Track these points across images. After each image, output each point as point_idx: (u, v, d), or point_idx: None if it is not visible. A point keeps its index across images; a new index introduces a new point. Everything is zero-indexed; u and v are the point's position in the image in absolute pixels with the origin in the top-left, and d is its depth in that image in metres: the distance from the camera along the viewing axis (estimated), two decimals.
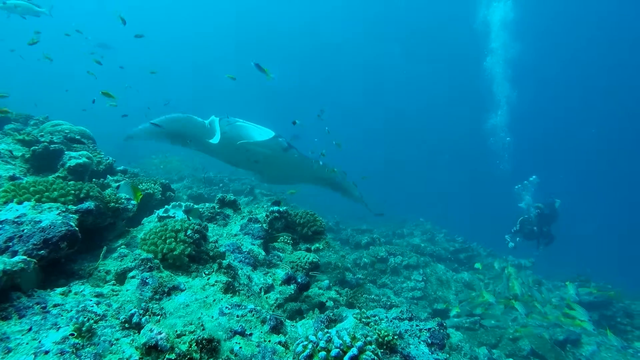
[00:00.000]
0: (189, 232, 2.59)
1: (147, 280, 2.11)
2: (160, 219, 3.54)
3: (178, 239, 2.51)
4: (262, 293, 2.70)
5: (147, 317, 1.66)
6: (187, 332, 1.57)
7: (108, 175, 4.60)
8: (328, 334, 1.69)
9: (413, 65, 42.75)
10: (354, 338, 1.71)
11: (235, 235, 3.51)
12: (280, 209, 4.03)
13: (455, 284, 8.88)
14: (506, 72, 20.73)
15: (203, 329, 1.61)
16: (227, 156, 7.10)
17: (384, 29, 40.99)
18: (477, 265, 9.31)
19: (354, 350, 1.57)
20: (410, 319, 3.02)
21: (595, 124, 35.53)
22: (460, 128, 41.60)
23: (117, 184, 4.10)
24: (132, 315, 1.65)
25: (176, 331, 1.56)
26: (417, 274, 8.34)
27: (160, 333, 1.38)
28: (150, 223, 3.64)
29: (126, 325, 1.63)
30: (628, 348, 6.96)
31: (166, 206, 3.67)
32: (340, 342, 1.61)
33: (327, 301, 5.58)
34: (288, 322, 2.28)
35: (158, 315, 1.71)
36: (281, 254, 3.50)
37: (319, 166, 6.97)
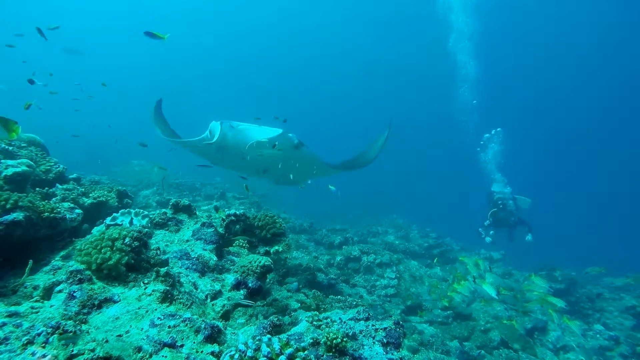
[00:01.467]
0: (127, 240, 2.46)
1: (74, 294, 1.98)
2: (108, 227, 3.38)
3: (115, 248, 2.39)
4: (209, 300, 2.60)
5: (56, 336, 1.55)
6: (86, 351, 1.46)
7: (57, 184, 4.38)
8: (258, 342, 1.61)
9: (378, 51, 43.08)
10: (286, 344, 1.65)
11: (187, 241, 3.39)
12: (237, 212, 3.94)
13: (429, 279, 8.97)
14: (470, 49, 20.98)
15: (106, 343, 1.51)
16: (236, 165, 6.64)
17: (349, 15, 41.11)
18: (462, 259, 9.39)
19: (282, 358, 1.51)
20: (367, 319, 2.97)
21: (566, 101, 36.61)
22: (428, 118, 42.29)
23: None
24: (38, 334, 1.53)
25: (72, 351, 1.45)
26: (390, 271, 8.37)
27: (44, 356, 1.27)
28: (112, 229, 3.48)
29: (28, 347, 1.50)
30: (588, 330, 7.19)
31: (114, 214, 3.51)
32: (269, 350, 1.54)
33: (293, 304, 5.51)
34: (229, 330, 2.19)
35: (71, 332, 1.59)
36: (235, 259, 3.40)
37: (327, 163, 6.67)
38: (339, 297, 5.06)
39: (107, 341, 1.57)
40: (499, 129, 13.06)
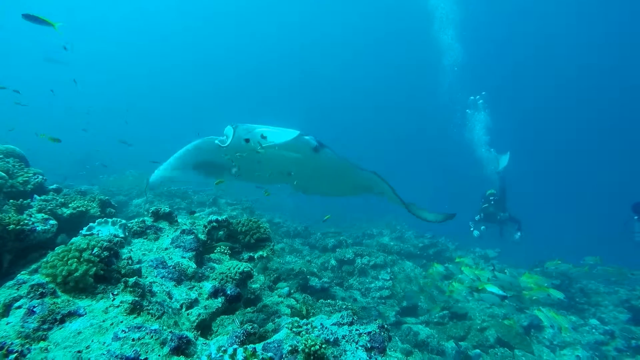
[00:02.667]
0: (95, 250, 2.37)
1: (34, 309, 1.89)
2: (84, 237, 3.28)
3: (82, 259, 2.30)
4: (184, 309, 2.51)
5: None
6: None
7: (35, 196, 4.28)
8: (222, 353, 1.53)
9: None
10: (252, 354, 1.57)
11: (166, 249, 3.30)
12: (219, 218, 3.85)
13: (424, 280, 8.90)
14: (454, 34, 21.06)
15: None
16: (252, 171, 6.02)
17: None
18: (458, 260, 9.35)
19: None
20: (351, 324, 2.89)
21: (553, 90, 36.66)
22: (420, 116, 42.25)
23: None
24: None
25: None
26: (384, 273, 8.29)
27: None
28: (80, 240, 3.38)
29: None
30: (584, 325, 7.14)
31: (91, 224, 3.41)
32: None
33: (284, 309, 5.42)
34: (201, 341, 2.10)
35: (16, 352, 1.50)
36: (216, 266, 3.31)
37: (364, 173, 5.72)
38: (329, 301, 4.96)
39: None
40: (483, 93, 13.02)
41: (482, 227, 10.02)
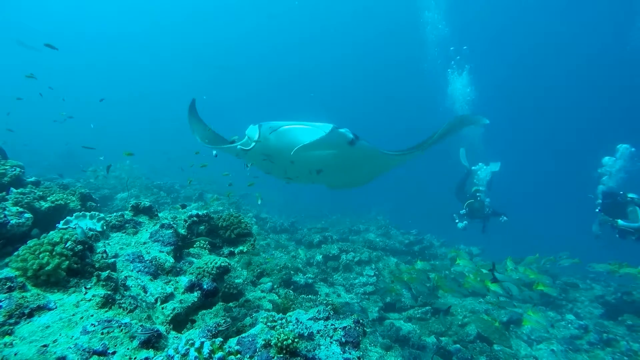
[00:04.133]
0: (69, 244, 2.36)
1: (0, 304, 1.88)
2: (59, 231, 3.25)
3: (54, 253, 2.28)
4: (158, 303, 2.52)
5: None
6: None
7: (12, 189, 4.21)
8: (188, 346, 1.55)
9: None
10: (218, 348, 1.59)
11: (144, 243, 3.28)
12: (200, 213, 3.85)
13: (408, 276, 9.01)
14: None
15: (15, 356, 1.42)
16: (281, 171, 5.64)
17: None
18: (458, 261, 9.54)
19: None
20: (327, 319, 2.92)
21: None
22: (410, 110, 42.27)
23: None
24: None
25: None
26: (369, 269, 8.37)
27: None
28: (53, 233, 3.35)
29: None
30: (561, 321, 7.33)
31: (68, 217, 3.38)
32: (196, 355, 1.48)
33: (266, 304, 5.45)
34: (173, 334, 2.11)
35: None
36: (195, 260, 3.32)
37: (397, 157, 5.29)
38: (310, 296, 5.01)
39: (16, 354, 1.48)
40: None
41: (465, 222, 10.18)
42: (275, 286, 6.33)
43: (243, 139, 5.19)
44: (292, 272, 7.12)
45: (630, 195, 7.77)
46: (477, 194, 10.26)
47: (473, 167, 11.15)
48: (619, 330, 7.07)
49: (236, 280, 5.78)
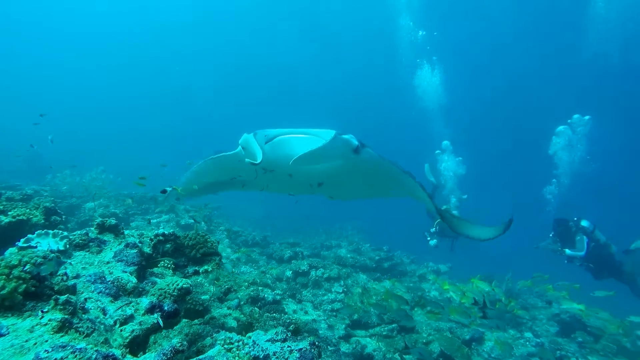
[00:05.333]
0: (27, 267, 2.38)
1: None
2: (20, 249, 3.23)
3: (11, 276, 2.30)
4: (117, 326, 2.56)
5: None
6: None
7: None
8: None
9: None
10: None
11: (108, 262, 3.30)
12: (166, 232, 3.89)
13: (377, 292, 9.18)
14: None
15: None
16: (279, 185, 5.12)
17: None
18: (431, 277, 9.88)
19: None
20: (284, 340, 3.03)
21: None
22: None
23: None
24: None
25: None
26: (338, 285, 8.50)
27: None
28: (12, 255, 3.31)
29: None
30: (520, 338, 7.67)
31: (29, 235, 3.36)
32: None
33: (231, 322, 5.47)
34: (129, 358, 2.17)
35: None
36: (158, 280, 3.36)
37: (404, 177, 4.68)
38: (274, 315, 5.08)
39: None
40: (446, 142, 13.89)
41: (435, 241, 10.53)
42: (243, 302, 6.35)
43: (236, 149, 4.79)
44: (260, 287, 7.16)
45: (582, 223, 8.32)
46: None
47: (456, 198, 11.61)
48: (571, 347, 7.48)
49: (202, 297, 5.76)
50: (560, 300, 7.83)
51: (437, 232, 10.61)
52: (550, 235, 8.72)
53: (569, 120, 14.68)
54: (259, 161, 4.13)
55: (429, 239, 10.69)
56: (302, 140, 4.06)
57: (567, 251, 8.18)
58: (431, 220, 10.75)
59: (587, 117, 14.21)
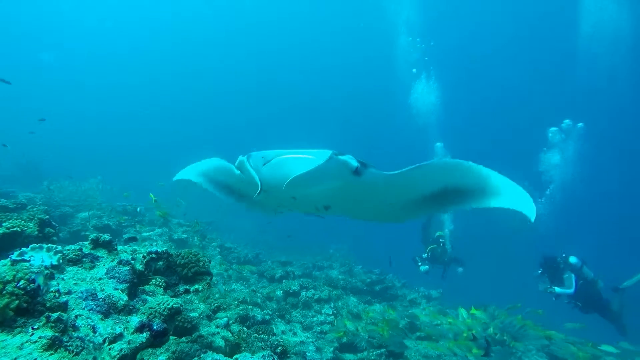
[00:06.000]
0: (21, 283, 2.43)
1: None
2: (14, 263, 3.26)
3: (4, 292, 2.34)
4: (106, 344, 2.59)
5: None
6: None
7: None
8: None
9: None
10: None
11: (100, 279, 3.34)
12: (159, 250, 3.94)
13: (367, 316, 9.14)
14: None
15: None
16: (288, 207, 4.77)
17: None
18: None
19: None
20: None
21: None
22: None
23: None
24: None
25: None
26: (328, 307, 8.47)
27: None
28: (3, 267, 3.34)
29: None
30: None
31: (23, 249, 3.39)
32: None
33: (219, 341, 5.45)
34: None
35: None
36: (149, 298, 3.39)
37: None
38: (262, 336, 5.07)
39: None
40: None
41: (427, 266, 10.54)
42: (232, 322, 6.32)
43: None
44: (250, 307, 7.13)
45: (571, 259, 8.39)
46: (440, 240, 10.69)
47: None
48: None
49: (191, 314, 5.75)
50: (526, 329, 7.87)
51: (428, 257, 10.62)
52: (539, 272, 8.78)
53: (561, 125, 15.04)
54: (259, 186, 3.86)
55: (419, 264, 10.68)
56: (302, 162, 3.69)
57: (557, 289, 8.25)
58: (423, 246, 10.81)
59: (580, 125, 14.50)
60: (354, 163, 3.62)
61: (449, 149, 15.12)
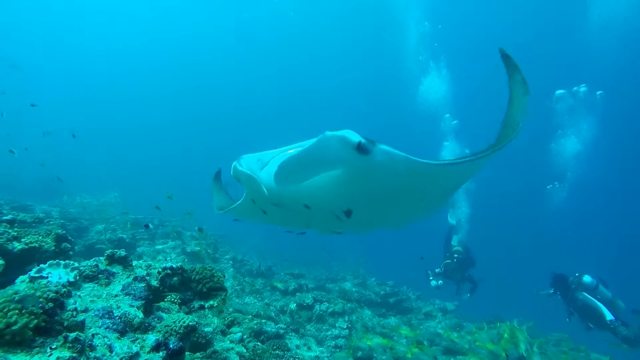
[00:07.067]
0: (40, 301, 2.42)
1: None
2: (32, 279, 3.28)
3: (24, 311, 2.33)
4: None
5: None
6: None
7: None
8: None
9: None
10: None
11: (116, 296, 3.32)
12: (174, 265, 3.92)
13: (382, 330, 8.95)
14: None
15: None
16: (287, 218, 4.11)
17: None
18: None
19: None
20: None
21: None
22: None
23: None
24: None
25: None
26: (342, 321, 8.33)
27: None
28: (22, 283, 3.36)
29: None
30: None
31: (41, 265, 3.41)
32: None
33: (233, 357, 5.37)
34: None
35: None
36: (165, 315, 3.36)
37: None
38: (277, 352, 4.99)
39: None
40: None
41: (440, 282, 10.26)
42: (246, 336, 6.25)
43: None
44: (264, 320, 7.05)
45: (584, 279, 7.76)
46: (455, 255, 10.42)
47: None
48: None
49: (206, 329, 5.70)
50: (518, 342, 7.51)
51: (442, 272, 10.33)
52: (550, 291, 8.37)
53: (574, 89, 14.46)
54: (263, 189, 3.22)
55: (431, 278, 10.35)
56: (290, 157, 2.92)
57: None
58: (443, 259, 10.56)
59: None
60: (354, 138, 2.77)
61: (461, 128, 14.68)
